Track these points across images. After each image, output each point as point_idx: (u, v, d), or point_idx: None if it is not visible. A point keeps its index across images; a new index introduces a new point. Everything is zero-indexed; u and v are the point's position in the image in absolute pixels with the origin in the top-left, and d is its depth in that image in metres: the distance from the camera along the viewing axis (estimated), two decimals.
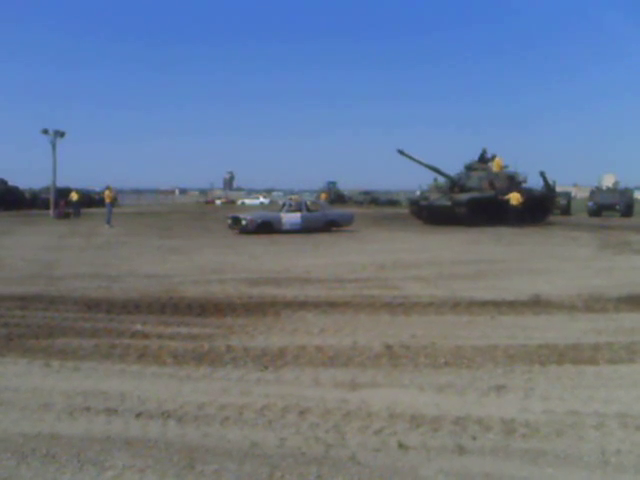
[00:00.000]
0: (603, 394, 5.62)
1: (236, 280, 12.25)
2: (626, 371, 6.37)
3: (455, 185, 32.26)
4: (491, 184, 31.56)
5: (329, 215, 27.00)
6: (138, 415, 5.09)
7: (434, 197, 32.40)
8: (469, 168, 33.81)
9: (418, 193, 63.46)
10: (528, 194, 31.81)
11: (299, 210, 25.55)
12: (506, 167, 33.73)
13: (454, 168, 33.52)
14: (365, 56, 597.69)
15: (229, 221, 25.41)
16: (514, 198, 29.44)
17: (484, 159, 34.31)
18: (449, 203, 30.22)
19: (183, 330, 8.07)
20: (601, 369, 6.43)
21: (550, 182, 34.21)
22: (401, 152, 31.08)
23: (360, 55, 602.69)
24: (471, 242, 21.94)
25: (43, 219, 34.85)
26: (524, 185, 33.38)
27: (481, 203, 30.02)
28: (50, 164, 38.32)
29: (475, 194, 30.67)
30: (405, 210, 53.18)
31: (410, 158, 31.51)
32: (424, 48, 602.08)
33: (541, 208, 32.97)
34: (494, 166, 33.47)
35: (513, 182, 32.54)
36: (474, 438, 4.62)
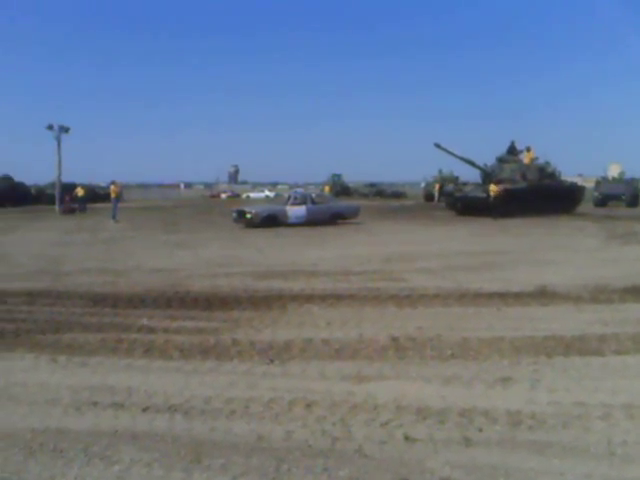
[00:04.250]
0: (609, 385, 5.61)
1: (242, 274, 12.26)
2: (632, 362, 6.36)
3: (488, 177, 33.06)
4: (523, 175, 32.34)
5: (334, 208, 26.94)
6: (145, 409, 5.11)
7: (468, 189, 33.62)
8: (501, 160, 34.55)
9: (423, 185, 63.59)
10: (554, 185, 32.83)
11: (304, 203, 25.48)
12: (536, 159, 34.31)
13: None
14: (367, 47, 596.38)
15: (234, 215, 25.33)
16: (492, 190, 30.07)
17: (514, 151, 34.97)
18: (484, 194, 30.75)
19: (189, 324, 8.08)
20: (607, 360, 6.41)
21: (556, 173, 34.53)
22: (437, 145, 32.08)
23: (362, 46, 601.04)
24: (477, 234, 21.91)
25: (49, 215, 34.89)
26: (556, 176, 34.28)
27: (515, 194, 30.45)
28: (55, 160, 38.37)
29: (509, 185, 31.21)
30: (411, 202, 53.28)
31: (446, 151, 32.51)
32: (423, 38, 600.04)
33: (571, 198, 33.56)
34: (525, 158, 34.25)
35: (544, 173, 33.25)
36: (480, 430, 4.62)
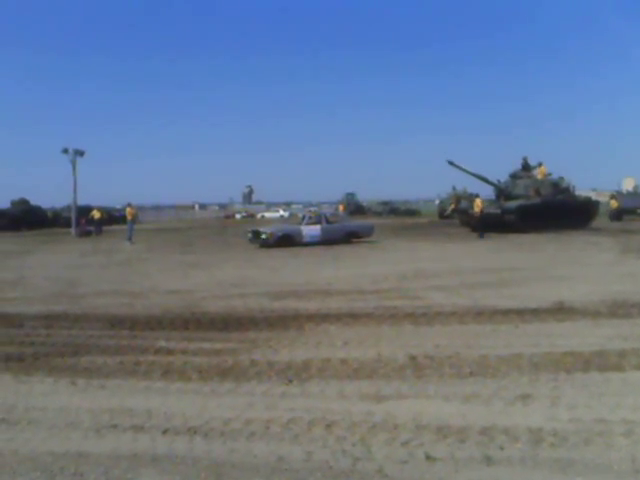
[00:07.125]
0: (631, 401, 5.55)
1: (258, 294, 12.28)
2: None
3: (502, 193, 33.34)
4: (537, 191, 32.41)
5: (349, 226, 26.99)
6: (165, 432, 5.11)
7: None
8: (514, 176, 34.67)
9: (437, 202, 63.61)
10: (568, 200, 32.94)
11: (319, 222, 25.51)
12: (550, 174, 34.36)
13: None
14: (378, 66, 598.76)
15: (249, 235, 25.38)
16: (476, 205, 30.46)
17: (527, 167, 35.04)
18: (499, 211, 30.98)
19: (207, 345, 8.09)
20: (628, 375, 6.35)
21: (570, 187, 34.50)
22: (451, 163, 32.45)
23: (373, 65, 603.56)
24: (492, 250, 21.84)
25: (65, 237, 35.17)
26: (570, 191, 34.36)
27: (529, 210, 30.65)
28: (71, 183, 38.71)
29: (523, 201, 31.50)
30: (425, 219, 53.23)
31: (459, 168, 32.84)
32: (434, 58, 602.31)
33: (585, 213, 33.50)
34: (538, 173, 34.31)
35: (558, 188, 33.34)
36: (501, 448, 4.58)
